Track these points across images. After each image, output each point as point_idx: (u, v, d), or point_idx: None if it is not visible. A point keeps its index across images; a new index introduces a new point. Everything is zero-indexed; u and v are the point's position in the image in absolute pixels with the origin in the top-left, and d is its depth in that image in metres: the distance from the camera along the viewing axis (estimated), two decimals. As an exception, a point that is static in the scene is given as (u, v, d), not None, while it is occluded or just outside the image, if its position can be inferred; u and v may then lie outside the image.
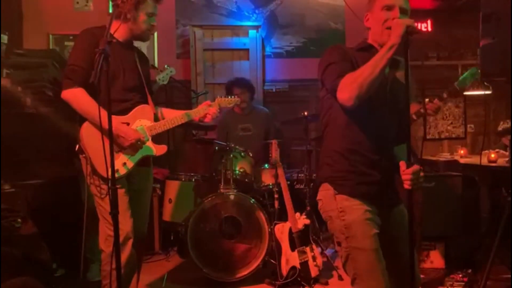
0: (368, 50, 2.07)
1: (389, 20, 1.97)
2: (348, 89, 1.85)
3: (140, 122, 2.73)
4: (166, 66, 3.98)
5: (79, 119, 2.66)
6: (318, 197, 2.11)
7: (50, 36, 5.09)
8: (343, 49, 2.08)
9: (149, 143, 2.72)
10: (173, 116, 2.81)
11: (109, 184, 2.11)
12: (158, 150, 2.75)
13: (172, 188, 4.16)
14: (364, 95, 1.84)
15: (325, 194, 2.06)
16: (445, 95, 2.55)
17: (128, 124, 2.68)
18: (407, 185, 1.84)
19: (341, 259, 2.03)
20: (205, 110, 2.86)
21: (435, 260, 3.71)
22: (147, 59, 2.97)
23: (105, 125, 2.11)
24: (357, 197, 1.98)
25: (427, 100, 3.14)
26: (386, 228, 2.02)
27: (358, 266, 1.95)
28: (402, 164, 1.86)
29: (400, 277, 2.01)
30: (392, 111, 2.05)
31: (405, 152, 1.90)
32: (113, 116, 2.72)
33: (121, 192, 2.60)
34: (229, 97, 3.04)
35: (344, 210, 1.98)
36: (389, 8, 2.00)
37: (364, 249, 1.93)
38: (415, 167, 1.84)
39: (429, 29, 5.74)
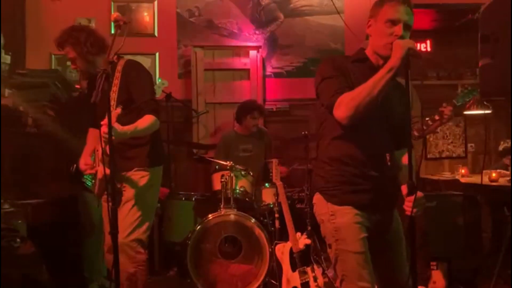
0: (363, 62, 2.08)
1: (392, 36, 1.95)
2: (345, 108, 1.89)
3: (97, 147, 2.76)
4: (158, 79, 4.00)
5: None
6: (313, 201, 2.19)
7: (53, 56, 5.14)
8: (338, 61, 2.10)
9: (100, 167, 2.69)
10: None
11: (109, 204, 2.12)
12: (100, 173, 2.70)
13: (172, 207, 4.15)
14: (361, 114, 1.88)
15: (318, 198, 2.14)
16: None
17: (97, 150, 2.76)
18: (408, 212, 1.92)
19: (332, 260, 2.10)
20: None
21: (437, 280, 3.67)
22: (129, 71, 2.81)
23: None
24: (347, 204, 2.04)
25: (444, 104, 3.21)
26: (378, 233, 2.08)
27: (346, 268, 2.02)
28: (404, 188, 1.95)
29: (387, 281, 2.12)
30: (383, 124, 2.07)
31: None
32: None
33: (104, 207, 2.80)
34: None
35: (335, 213, 2.06)
36: (393, 22, 1.96)
37: (352, 252, 2.00)
38: (419, 194, 1.91)
39: (429, 49, 5.80)
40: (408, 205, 1.93)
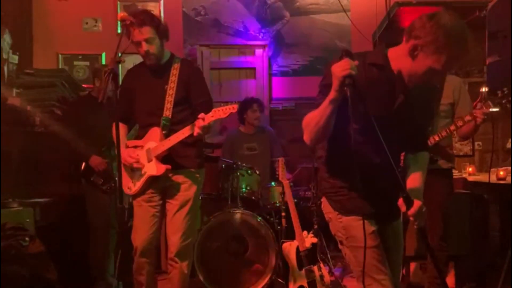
0: (379, 69, 1.87)
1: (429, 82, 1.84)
2: (304, 131, 1.94)
3: (148, 145, 2.77)
4: None
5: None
6: (321, 199, 2.15)
7: (60, 55, 5.15)
8: None
9: (152, 164, 2.74)
10: (176, 133, 2.76)
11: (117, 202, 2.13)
12: (158, 170, 2.74)
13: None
14: (315, 140, 1.92)
15: (325, 199, 2.11)
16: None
17: (141, 146, 2.79)
18: (415, 225, 1.83)
19: (345, 256, 2.07)
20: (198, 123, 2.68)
21: (445, 279, 3.65)
22: (190, 72, 2.93)
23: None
24: (350, 213, 1.99)
25: (479, 105, 3.03)
26: (381, 239, 2.00)
27: (361, 264, 1.91)
28: (401, 205, 1.81)
29: None
30: (395, 132, 1.92)
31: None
32: (128, 142, 2.89)
33: (143, 206, 2.75)
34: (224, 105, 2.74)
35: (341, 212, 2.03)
36: (439, 73, 1.78)
37: (364, 247, 1.89)
38: (416, 204, 1.79)
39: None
40: (412, 219, 1.81)
